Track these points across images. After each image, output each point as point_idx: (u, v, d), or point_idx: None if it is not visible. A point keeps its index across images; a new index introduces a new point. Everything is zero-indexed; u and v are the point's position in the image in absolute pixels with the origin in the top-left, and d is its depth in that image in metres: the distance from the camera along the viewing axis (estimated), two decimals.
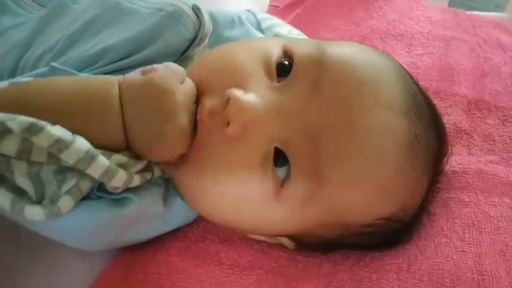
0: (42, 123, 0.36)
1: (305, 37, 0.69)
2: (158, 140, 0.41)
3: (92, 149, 0.38)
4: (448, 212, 0.51)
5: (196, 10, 0.53)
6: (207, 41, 0.53)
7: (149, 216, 0.46)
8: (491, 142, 0.61)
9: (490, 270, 0.45)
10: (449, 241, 0.48)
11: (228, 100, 0.41)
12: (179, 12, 0.52)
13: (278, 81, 0.43)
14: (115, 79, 0.43)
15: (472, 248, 0.47)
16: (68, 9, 0.57)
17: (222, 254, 0.48)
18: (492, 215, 0.50)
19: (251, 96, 0.41)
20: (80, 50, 0.51)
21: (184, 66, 0.51)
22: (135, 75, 0.43)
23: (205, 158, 0.42)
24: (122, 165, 0.40)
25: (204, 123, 0.42)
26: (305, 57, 0.43)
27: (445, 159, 0.51)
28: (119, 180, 0.40)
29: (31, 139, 0.36)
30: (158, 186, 0.47)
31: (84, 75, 0.46)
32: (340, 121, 0.40)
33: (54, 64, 0.46)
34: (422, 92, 0.48)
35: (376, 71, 0.44)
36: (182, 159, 0.43)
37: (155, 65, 0.43)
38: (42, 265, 0.49)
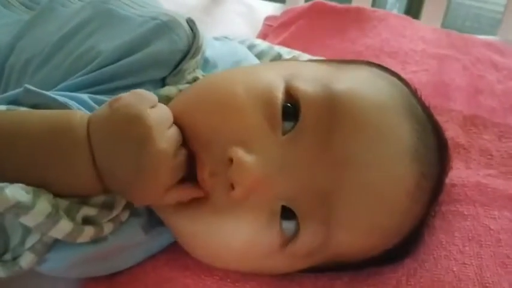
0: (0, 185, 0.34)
1: (296, 53, 0.69)
2: (136, 176, 0.36)
3: (54, 212, 0.35)
4: (447, 225, 0.50)
5: (190, 23, 0.52)
6: (199, 56, 0.52)
7: (129, 247, 0.44)
8: (489, 156, 0.60)
9: (492, 282, 0.43)
10: (448, 254, 0.46)
11: (230, 159, 0.37)
12: (173, 22, 0.50)
13: (283, 132, 0.39)
14: (85, 116, 0.39)
15: (472, 261, 0.45)
16: (57, 13, 0.56)
17: None
18: (492, 228, 0.49)
19: (256, 159, 0.38)
20: (70, 53, 0.50)
21: (177, 80, 0.50)
22: (102, 109, 0.39)
23: (209, 216, 0.40)
24: (90, 219, 0.38)
25: (205, 182, 0.39)
26: (312, 103, 0.39)
27: (447, 175, 0.50)
28: (86, 237, 0.38)
29: None
30: (138, 216, 0.44)
31: (52, 111, 0.41)
32: (351, 181, 0.39)
33: (28, 86, 0.42)
34: (427, 114, 0.46)
35: (386, 114, 0.41)
36: (179, 207, 0.40)
37: (122, 94, 0.39)
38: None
